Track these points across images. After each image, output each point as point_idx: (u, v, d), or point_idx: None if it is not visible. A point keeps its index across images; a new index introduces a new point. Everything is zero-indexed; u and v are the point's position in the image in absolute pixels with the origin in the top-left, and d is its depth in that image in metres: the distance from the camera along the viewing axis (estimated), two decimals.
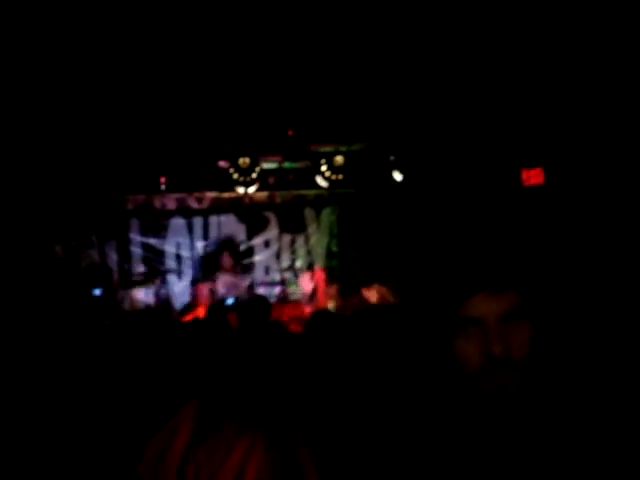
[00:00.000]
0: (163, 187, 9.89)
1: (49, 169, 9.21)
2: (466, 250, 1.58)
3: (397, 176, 9.41)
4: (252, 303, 5.99)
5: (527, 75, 7.37)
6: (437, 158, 8.92)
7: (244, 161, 9.17)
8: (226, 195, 10.24)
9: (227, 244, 10.35)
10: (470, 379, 1.52)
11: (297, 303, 9.98)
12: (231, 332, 5.33)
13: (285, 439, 1.46)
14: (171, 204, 10.55)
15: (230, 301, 7.52)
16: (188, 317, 7.98)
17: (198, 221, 10.62)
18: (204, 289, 8.69)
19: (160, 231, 10.58)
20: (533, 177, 8.62)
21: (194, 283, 10.08)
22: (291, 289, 10.56)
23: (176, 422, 1.60)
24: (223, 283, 9.60)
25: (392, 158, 9.37)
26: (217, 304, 7.26)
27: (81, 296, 9.18)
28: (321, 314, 5.15)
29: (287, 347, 4.35)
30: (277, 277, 10.71)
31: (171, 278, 10.52)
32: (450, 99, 8.21)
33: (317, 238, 10.71)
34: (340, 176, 9.42)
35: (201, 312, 7.45)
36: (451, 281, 1.55)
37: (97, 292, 8.88)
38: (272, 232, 10.70)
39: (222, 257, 9.90)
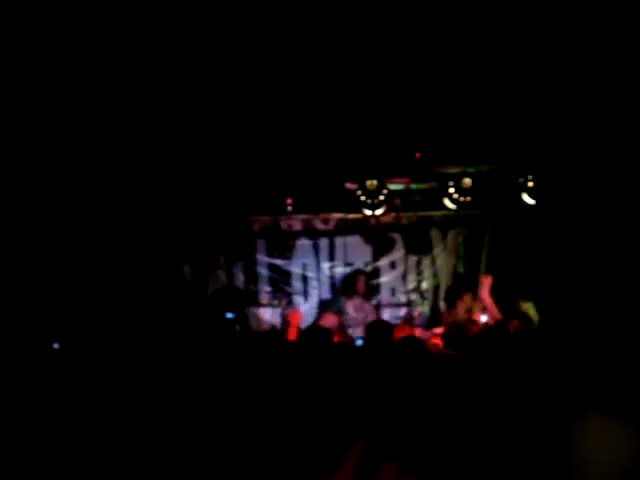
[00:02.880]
0: (290, 208, 9.95)
1: (178, 192, 9.41)
2: None
3: (526, 198, 9.19)
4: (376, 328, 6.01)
5: None
6: (570, 178, 8.70)
7: (372, 183, 9.13)
8: (352, 216, 10.22)
9: (361, 269, 10.38)
10: None
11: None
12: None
13: None
14: (297, 225, 10.63)
15: (360, 342, 7.47)
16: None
17: (324, 242, 10.67)
18: (331, 317, 8.65)
19: (286, 252, 10.69)
20: None
21: (322, 307, 10.10)
22: (417, 310, 10.46)
23: (343, 461, 1.58)
24: (353, 306, 9.60)
25: (521, 180, 9.16)
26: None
27: (211, 317, 9.35)
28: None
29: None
30: (403, 298, 10.64)
31: (297, 299, 10.60)
32: (582, 118, 8.01)
33: (443, 259, 10.58)
34: (468, 198, 9.25)
35: (293, 334, 7.35)
36: None
37: (229, 315, 8.98)
38: (398, 253, 10.64)
39: (357, 281, 9.90)
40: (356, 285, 9.86)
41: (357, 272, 10.17)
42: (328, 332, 5.37)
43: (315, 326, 7.08)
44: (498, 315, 7.66)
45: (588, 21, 6.39)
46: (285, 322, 9.91)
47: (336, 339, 6.51)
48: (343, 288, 10.17)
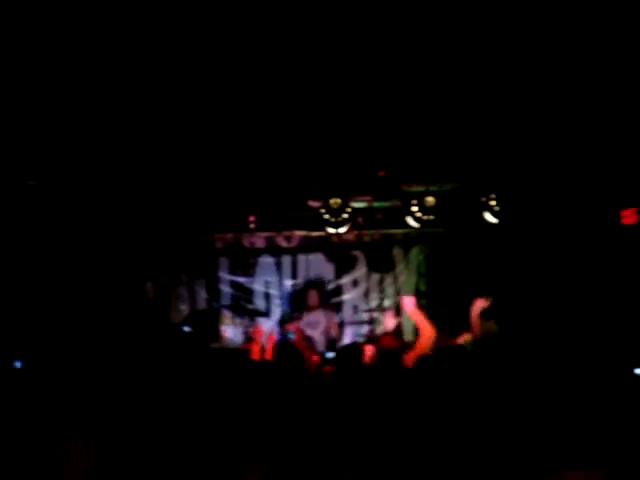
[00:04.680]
0: (252, 226, 9.93)
1: (140, 209, 9.35)
2: None
3: (488, 217, 9.25)
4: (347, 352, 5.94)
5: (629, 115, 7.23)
6: (532, 198, 8.79)
7: (335, 202, 9.14)
8: (315, 234, 10.23)
9: (313, 282, 10.36)
10: None
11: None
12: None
13: None
14: (260, 243, 10.60)
15: (330, 355, 7.42)
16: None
17: (287, 260, 10.65)
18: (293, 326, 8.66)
19: (249, 270, 10.65)
20: (628, 217, 8.47)
21: (281, 322, 10.06)
22: (379, 328, 10.47)
23: None
24: (308, 320, 9.62)
25: (483, 199, 9.22)
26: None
27: (171, 332, 9.29)
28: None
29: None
30: (365, 316, 10.63)
31: (259, 317, 10.54)
32: (546, 138, 8.10)
33: (405, 277, 10.61)
34: (431, 216, 9.29)
35: (256, 351, 7.24)
36: None
37: (186, 329, 8.96)
38: (360, 271, 10.65)
39: (308, 295, 9.91)
40: (308, 299, 9.88)
41: (308, 286, 10.19)
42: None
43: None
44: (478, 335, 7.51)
45: (551, 43, 6.47)
46: (248, 339, 9.86)
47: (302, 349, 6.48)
48: (296, 303, 10.17)
